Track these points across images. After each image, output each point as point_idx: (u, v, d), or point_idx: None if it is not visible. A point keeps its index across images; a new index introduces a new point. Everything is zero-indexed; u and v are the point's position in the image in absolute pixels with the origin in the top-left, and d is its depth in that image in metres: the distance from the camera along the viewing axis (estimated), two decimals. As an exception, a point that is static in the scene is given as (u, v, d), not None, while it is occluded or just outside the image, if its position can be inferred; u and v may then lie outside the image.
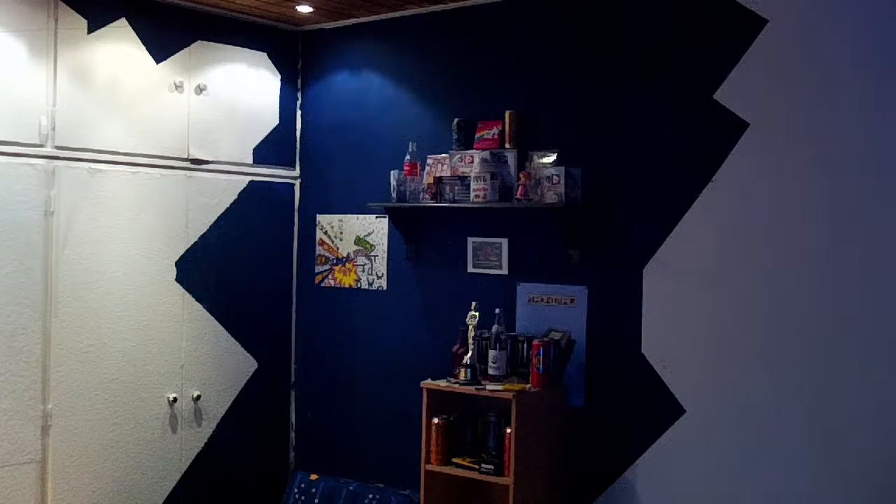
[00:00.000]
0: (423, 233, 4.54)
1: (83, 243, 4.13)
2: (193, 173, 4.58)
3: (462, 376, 3.90)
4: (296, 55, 5.07)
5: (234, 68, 4.75)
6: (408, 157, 4.34)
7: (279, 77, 4.98)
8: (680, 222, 3.71)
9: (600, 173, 3.90)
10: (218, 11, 4.62)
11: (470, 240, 4.35)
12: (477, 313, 3.94)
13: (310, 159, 5.07)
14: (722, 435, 3.59)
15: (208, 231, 4.65)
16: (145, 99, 4.37)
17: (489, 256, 4.28)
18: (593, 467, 3.91)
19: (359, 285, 4.78)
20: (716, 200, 3.62)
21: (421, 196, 4.32)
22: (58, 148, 4.04)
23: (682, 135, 3.72)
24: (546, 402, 3.87)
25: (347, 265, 4.84)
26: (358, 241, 4.80)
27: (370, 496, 4.45)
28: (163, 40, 4.43)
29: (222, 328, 4.71)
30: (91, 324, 4.17)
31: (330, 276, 4.92)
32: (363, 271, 4.77)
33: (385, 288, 4.70)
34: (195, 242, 4.59)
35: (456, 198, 4.15)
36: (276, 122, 4.98)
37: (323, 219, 4.96)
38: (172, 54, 4.47)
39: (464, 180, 4.12)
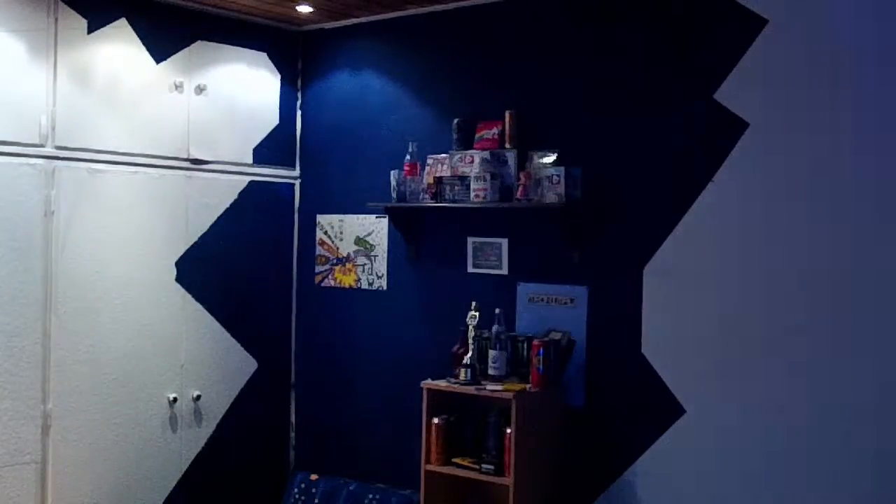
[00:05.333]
0: (423, 233, 4.54)
1: (83, 243, 4.13)
2: (193, 173, 4.58)
3: (462, 376, 3.90)
4: (296, 55, 5.07)
5: (234, 68, 4.75)
6: (408, 157, 4.34)
7: (279, 77, 4.98)
8: (680, 222, 3.70)
9: (600, 173, 3.90)
10: (218, 11, 4.62)
11: (470, 240, 4.35)
12: (477, 313, 3.94)
13: (310, 159, 5.07)
14: (722, 435, 3.59)
15: (208, 231, 4.65)
16: (145, 99, 4.37)
17: (489, 256, 4.28)
18: (593, 467, 3.91)
19: (359, 285, 4.78)
20: (716, 200, 3.62)
21: (421, 196, 4.32)
22: (58, 148, 4.04)
23: (682, 135, 3.72)
24: (546, 402, 3.87)
25: (347, 265, 4.84)
26: (358, 241, 4.80)
27: (370, 496, 4.45)
28: (163, 40, 4.43)
29: (222, 328, 4.71)
30: (91, 324, 4.17)
31: (330, 276, 4.92)
32: (363, 271, 4.77)
33: (385, 288, 4.69)
34: (195, 242, 4.59)
35: (456, 198, 4.15)
36: (276, 122, 4.98)
37: (323, 219, 4.96)
38: (172, 54, 4.47)
39: (464, 180, 4.12)
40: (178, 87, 4.49)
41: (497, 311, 3.90)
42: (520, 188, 3.96)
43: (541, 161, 4.01)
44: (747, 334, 3.53)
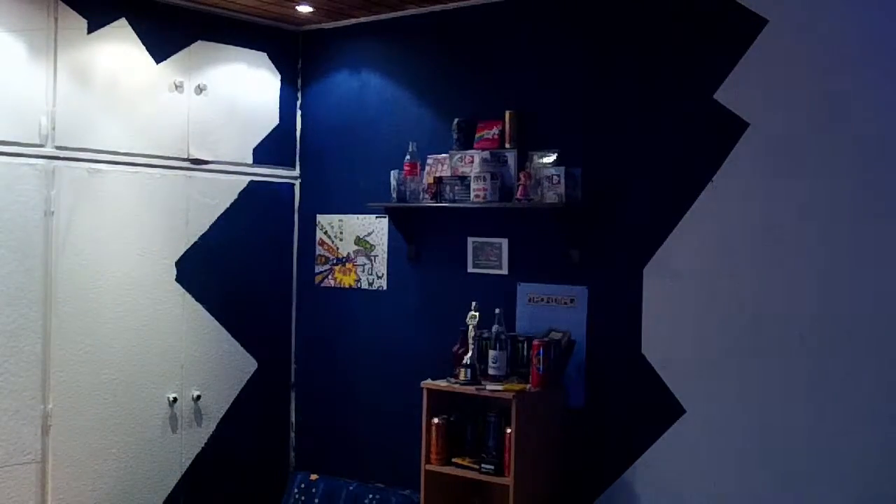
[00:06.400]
0: (423, 233, 4.54)
1: (83, 243, 4.13)
2: (193, 173, 4.58)
3: (462, 376, 3.90)
4: (296, 55, 5.07)
5: (234, 68, 4.75)
6: (408, 157, 4.34)
7: (279, 77, 4.98)
8: (680, 222, 3.70)
9: (600, 173, 3.90)
10: (218, 11, 4.62)
11: (470, 240, 4.35)
12: (477, 313, 3.94)
13: (310, 159, 5.07)
14: (722, 435, 3.59)
15: (208, 231, 4.65)
16: (145, 99, 4.37)
17: (489, 256, 4.28)
18: (593, 467, 3.91)
19: (359, 285, 4.78)
20: (716, 200, 3.62)
21: (421, 196, 4.32)
22: (58, 148, 4.04)
23: (682, 135, 3.72)
24: (546, 402, 3.87)
25: (347, 265, 4.84)
26: (358, 241, 4.80)
27: (370, 496, 4.45)
28: (163, 40, 4.43)
29: (222, 328, 4.71)
30: (91, 324, 4.17)
31: (330, 276, 4.92)
32: (363, 271, 4.77)
33: (385, 288, 4.69)
34: (195, 242, 4.59)
35: (456, 198, 4.15)
36: (276, 122, 4.98)
37: (323, 219, 4.96)
38: (172, 54, 4.47)
39: (464, 180, 4.12)
40: (178, 87, 4.49)
41: (497, 311, 3.90)
42: (520, 188, 3.95)
43: (541, 161, 4.01)
44: (747, 334, 3.53)
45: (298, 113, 5.10)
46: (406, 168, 4.35)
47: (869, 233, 3.28)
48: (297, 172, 5.08)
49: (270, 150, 4.94)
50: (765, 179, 3.50)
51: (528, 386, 3.81)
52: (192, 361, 4.59)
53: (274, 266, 4.99)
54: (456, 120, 4.31)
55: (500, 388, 3.79)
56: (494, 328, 3.90)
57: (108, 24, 4.23)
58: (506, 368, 3.92)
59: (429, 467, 3.94)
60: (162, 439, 4.46)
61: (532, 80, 4.16)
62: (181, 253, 4.53)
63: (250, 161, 4.84)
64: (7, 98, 3.87)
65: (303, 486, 4.68)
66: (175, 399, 4.50)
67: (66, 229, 4.07)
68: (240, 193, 4.79)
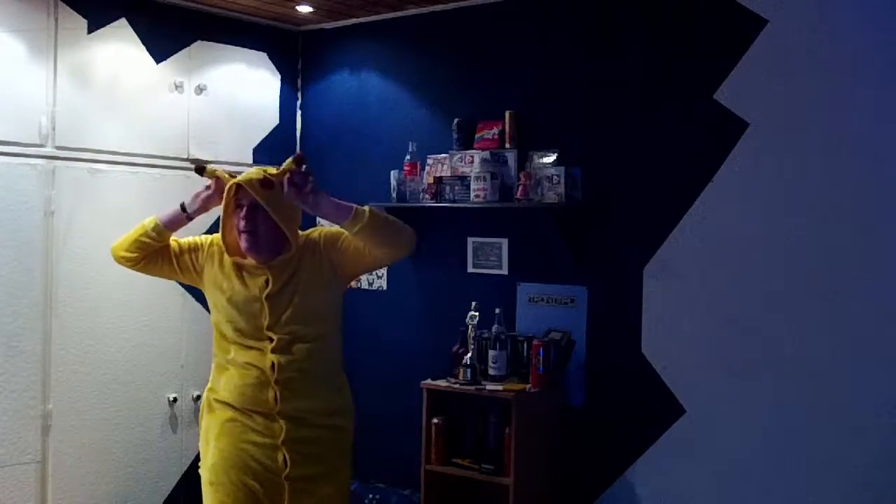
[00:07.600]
0: (423, 233, 4.51)
1: (83, 243, 4.13)
2: (193, 173, 4.55)
3: (462, 376, 3.90)
4: (296, 55, 5.07)
5: (234, 68, 4.75)
6: (408, 157, 4.34)
7: (279, 77, 4.98)
8: (680, 222, 3.70)
9: (600, 173, 3.90)
10: (218, 11, 4.62)
11: (470, 240, 4.35)
12: (477, 313, 3.94)
13: (310, 159, 5.03)
14: (722, 435, 3.59)
15: (208, 231, 4.64)
16: (145, 99, 4.37)
17: (489, 256, 4.28)
18: (593, 467, 3.91)
19: (359, 285, 4.78)
20: (716, 200, 3.62)
21: (421, 196, 4.32)
22: (58, 148, 4.04)
23: (682, 135, 3.72)
24: (546, 402, 3.87)
25: (347, 265, 4.83)
26: (358, 241, 4.79)
27: (370, 496, 4.45)
28: (163, 40, 4.43)
29: (222, 328, 4.70)
30: (91, 324, 4.17)
31: (330, 276, 4.90)
32: (363, 271, 4.76)
33: (385, 288, 4.69)
34: (195, 242, 4.59)
35: (456, 198, 4.15)
36: (276, 122, 4.98)
37: (323, 219, 4.95)
38: (172, 54, 4.47)
39: (464, 180, 4.12)
40: (178, 87, 4.49)
41: (497, 311, 3.90)
42: (520, 188, 3.95)
43: (541, 161, 4.01)
44: (747, 334, 3.53)
45: (298, 113, 5.10)
46: (406, 168, 4.35)
47: (869, 233, 3.27)
48: (297, 172, 5.07)
49: (270, 150, 4.92)
50: (765, 179, 3.50)
51: (528, 386, 3.81)
52: (192, 361, 4.58)
53: (274, 266, 4.98)
54: (456, 120, 4.31)
55: (500, 388, 3.79)
56: (494, 328, 3.90)
57: (108, 24, 4.22)
58: (506, 368, 3.92)
59: (429, 467, 3.95)
60: (162, 439, 4.46)
61: (532, 80, 4.16)
62: (181, 253, 4.53)
63: (250, 161, 4.84)
64: (7, 98, 3.87)
65: (303, 486, 4.68)
66: (175, 399, 4.50)
67: (66, 229, 4.07)
68: (240, 193, 4.78)
